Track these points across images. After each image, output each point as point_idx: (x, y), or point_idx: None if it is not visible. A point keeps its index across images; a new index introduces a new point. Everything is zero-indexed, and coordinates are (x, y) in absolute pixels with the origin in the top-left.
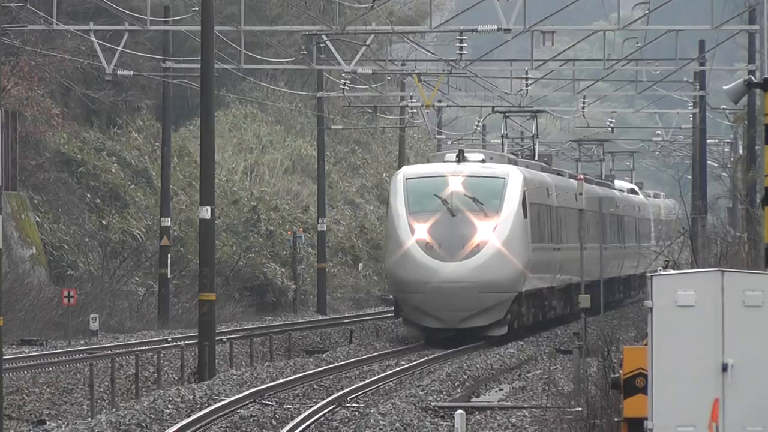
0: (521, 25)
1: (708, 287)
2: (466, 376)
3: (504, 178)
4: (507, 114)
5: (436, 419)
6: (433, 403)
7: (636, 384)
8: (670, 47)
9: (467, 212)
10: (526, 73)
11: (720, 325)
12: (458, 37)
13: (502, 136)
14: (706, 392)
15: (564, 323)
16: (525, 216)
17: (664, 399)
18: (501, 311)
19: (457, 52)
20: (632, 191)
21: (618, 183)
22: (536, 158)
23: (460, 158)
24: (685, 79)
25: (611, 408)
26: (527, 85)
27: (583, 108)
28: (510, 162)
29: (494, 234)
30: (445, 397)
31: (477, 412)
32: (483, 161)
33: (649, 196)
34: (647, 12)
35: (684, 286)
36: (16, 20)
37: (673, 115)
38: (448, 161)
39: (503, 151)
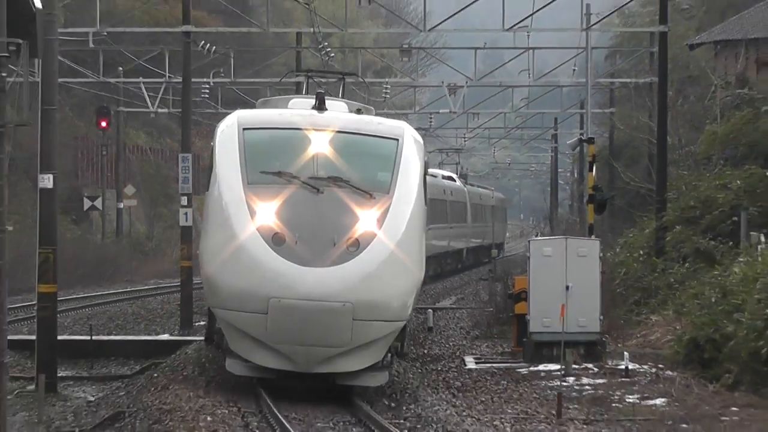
0: (462, 109)
1: (559, 246)
2: (432, 292)
3: (397, 139)
4: (310, 75)
5: (416, 315)
6: None
7: (521, 296)
8: (540, 120)
9: (339, 190)
10: (464, 135)
11: (564, 266)
12: (429, 118)
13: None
14: (558, 300)
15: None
16: (425, 202)
17: (536, 304)
18: (381, 349)
19: (429, 121)
20: (449, 178)
21: (433, 171)
22: None
23: (322, 106)
24: (549, 138)
25: (508, 308)
26: (465, 141)
27: (494, 153)
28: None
29: (384, 227)
30: (421, 303)
31: (438, 311)
32: (359, 111)
33: (472, 185)
34: (527, 102)
35: (546, 245)
36: (199, 106)
37: (541, 156)
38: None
39: None
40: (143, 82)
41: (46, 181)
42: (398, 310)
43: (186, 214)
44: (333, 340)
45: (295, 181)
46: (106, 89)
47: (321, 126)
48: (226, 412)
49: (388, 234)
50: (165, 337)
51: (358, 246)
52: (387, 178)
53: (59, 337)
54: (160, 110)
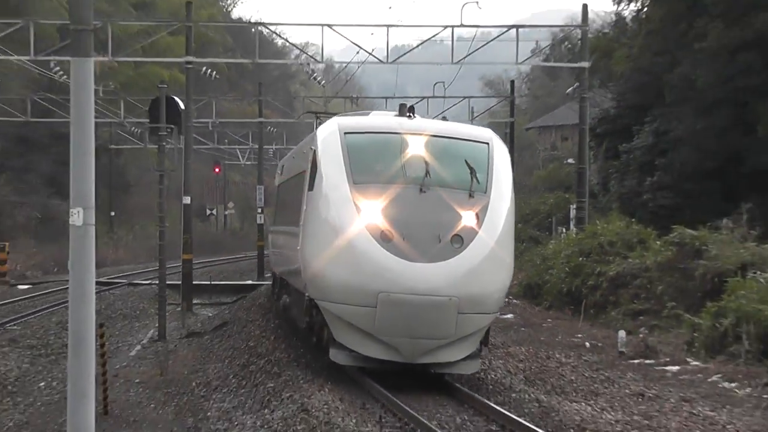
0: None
1: None
2: None
3: (488, 143)
4: (318, 116)
5: None
6: None
7: None
8: None
9: (440, 189)
10: None
11: None
12: None
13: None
14: None
15: None
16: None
17: None
18: (477, 340)
19: None
20: None
21: None
22: None
23: (411, 113)
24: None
25: None
26: None
27: None
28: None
29: (484, 225)
30: None
31: None
32: (445, 119)
33: None
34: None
35: None
36: (267, 160)
37: None
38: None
39: None
40: (238, 148)
41: (187, 200)
42: (496, 302)
43: (260, 217)
44: (438, 333)
45: (398, 180)
46: (218, 152)
47: (416, 130)
48: (284, 323)
49: (488, 231)
50: (249, 282)
51: (461, 243)
52: (483, 179)
53: (194, 282)
54: (246, 162)
